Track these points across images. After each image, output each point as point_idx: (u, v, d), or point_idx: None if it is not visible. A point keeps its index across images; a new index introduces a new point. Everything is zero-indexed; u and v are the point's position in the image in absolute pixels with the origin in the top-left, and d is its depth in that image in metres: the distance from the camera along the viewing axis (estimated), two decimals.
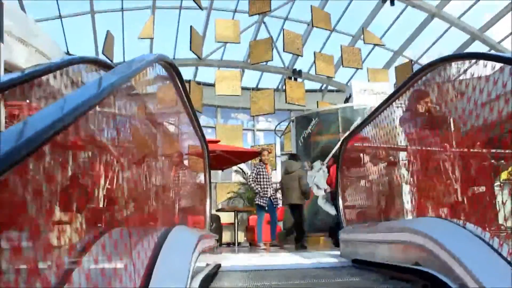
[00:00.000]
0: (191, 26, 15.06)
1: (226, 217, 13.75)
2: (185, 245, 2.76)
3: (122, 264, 2.11)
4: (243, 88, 16.89)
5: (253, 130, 21.19)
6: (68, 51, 16.89)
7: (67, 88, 2.38)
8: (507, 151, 2.96)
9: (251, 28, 18.52)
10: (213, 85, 16.50)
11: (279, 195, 11.48)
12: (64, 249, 1.92)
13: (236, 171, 18.42)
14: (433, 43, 18.93)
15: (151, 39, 16.17)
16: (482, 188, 3.26)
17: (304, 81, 19.15)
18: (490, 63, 2.71)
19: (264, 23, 18.21)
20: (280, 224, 13.38)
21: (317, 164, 12.97)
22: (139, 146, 2.94)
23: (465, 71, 3.08)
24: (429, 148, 3.85)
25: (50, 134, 1.24)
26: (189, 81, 15.98)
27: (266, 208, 10.55)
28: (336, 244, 9.44)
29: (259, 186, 10.53)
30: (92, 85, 1.73)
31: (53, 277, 1.75)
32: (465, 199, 3.19)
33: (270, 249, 10.11)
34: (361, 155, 5.78)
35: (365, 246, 4.53)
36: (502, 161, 3.50)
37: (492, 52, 13.58)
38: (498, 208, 2.85)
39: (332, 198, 9.80)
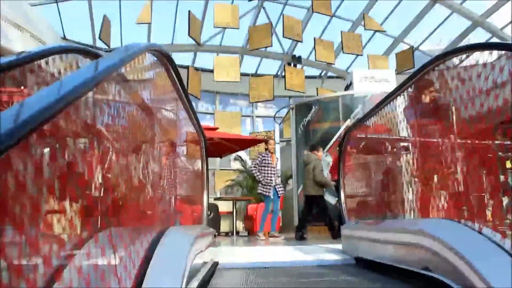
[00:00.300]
0: (189, 11, 14.78)
1: (225, 206, 13.61)
2: (177, 255, 2.56)
3: (110, 269, 1.95)
4: (242, 74, 16.62)
5: (252, 116, 21.00)
6: (64, 36, 16.64)
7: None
8: None
9: (250, 13, 18.21)
10: (212, 71, 16.24)
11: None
12: (56, 241, 1.77)
13: (235, 158, 18.29)
14: (434, 30, 18.62)
15: (149, 24, 15.88)
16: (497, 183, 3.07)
17: (304, 67, 18.92)
18: None
19: (263, 8, 17.91)
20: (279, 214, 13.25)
21: None
22: (129, 139, 2.73)
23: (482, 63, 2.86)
24: (438, 140, 3.65)
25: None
26: (187, 67, 15.77)
27: (272, 196, 10.41)
28: (334, 237, 9.34)
29: (262, 174, 10.41)
30: (71, 78, 1.55)
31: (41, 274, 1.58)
32: (481, 197, 3.00)
33: (269, 241, 9.91)
34: (366, 147, 5.59)
35: (369, 245, 4.32)
36: None
37: None
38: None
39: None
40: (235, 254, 5.92)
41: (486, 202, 2.99)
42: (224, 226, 13.92)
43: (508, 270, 2.14)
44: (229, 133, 14.16)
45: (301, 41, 16.85)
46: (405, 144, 4.48)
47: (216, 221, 12.88)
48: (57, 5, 15.91)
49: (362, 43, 17.24)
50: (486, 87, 2.83)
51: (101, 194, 2.34)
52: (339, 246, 5.76)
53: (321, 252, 5.72)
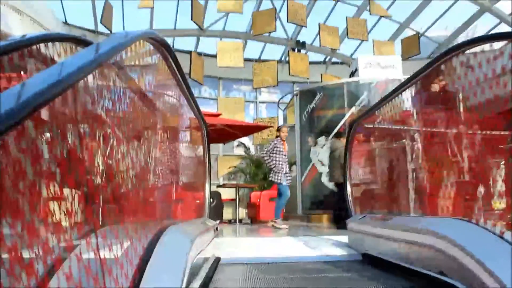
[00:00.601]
0: None
1: (227, 193, 13.49)
2: (177, 255, 2.42)
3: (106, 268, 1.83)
4: (246, 60, 16.49)
5: (256, 102, 20.84)
6: (66, 21, 16.45)
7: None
8: None
9: None
10: (215, 56, 16.08)
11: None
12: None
13: (237, 145, 18.18)
14: (441, 15, 18.36)
15: (151, 8, 15.67)
16: None
17: (308, 53, 18.71)
18: None
19: None
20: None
21: (322, 139, 12.66)
22: (124, 127, 2.58)
23: None
24: (454, 131, 3.48)
25: None
26: (190, 52, 15.60)
27: (284, 183, 10.26)
28: (339, 227, 9.20)
29: (273, 162, 10.24)
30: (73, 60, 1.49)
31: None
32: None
33: (272, 229, 9.81)
34: (374, 137, 5.42)
35: (378, 242, 4.13)
36: None
37: None
38: None
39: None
40: (238, 246, 5.77)
41: None
42: (227, 213, 13.80)
43: None
44: (232, 119, 14.01)
45: (305, 26, 16.67)
46: (420, 134, 4.28)
47: (219, 208, 12.78)
48: None
49: (367, 28, 17.04)
50: None
51: (101, 181, 2.27)
52: (344, 238, 5.61)
53: (327, 246, 5.56)
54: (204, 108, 16.13)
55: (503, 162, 2.98)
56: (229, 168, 17.52)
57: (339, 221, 9.03)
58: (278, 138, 10.52)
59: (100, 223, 2.13)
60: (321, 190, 12.47)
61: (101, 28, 15.08)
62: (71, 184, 1.83)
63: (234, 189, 9.89)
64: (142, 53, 2.61)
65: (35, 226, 1.56)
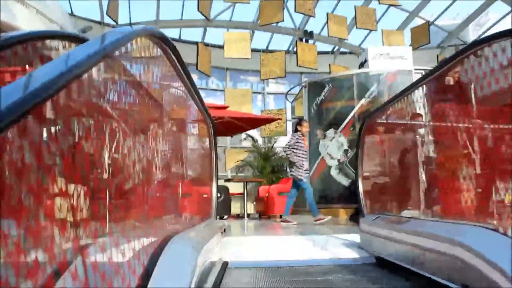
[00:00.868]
0: None
1: (235, 187, 13.35)
2: (182, 274, 2.26)
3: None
4: (253, 50, 16.31)
5: (263, 93, 20.68)
6: (72, 12, 16.30)
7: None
8: None
9: None
10: (222, 47, 15.96)
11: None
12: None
13: (245, 138, 18.07)
14: (451, 4, 18.06)
15: None
16: None
17: (316, 43, 18.52)
18: None
19: None
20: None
21: (331, 132, 12.47)
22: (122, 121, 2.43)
23: None
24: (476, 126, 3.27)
25: None
26: (197, 43, 15.47)
27: (304, 179, 10.03)
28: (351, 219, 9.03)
29: (297, 157, 9.93)
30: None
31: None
32: None
33: (282, 225, 9.66)
34: (389, 133, 5.22)
35: (393, 246, 3.92)
36: None
37: None
38: None
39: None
40: (246, 247, 5.60)
41: None
42: (235, 207, 13.67)
43: None
44: (239, 112, 13.83)
45: (313, 16, 16.42)
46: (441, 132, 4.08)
47: (227, 203, 12.63)
48: None
49: (376, 17, 16.77)
50: None
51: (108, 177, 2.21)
52: (355, 237, 5.41)
53: (338, 246, 5.38)
54: (211, 100, 15.95)
55: None
56: (237, 161, 17.45)
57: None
58: (299, 133, 10.15)
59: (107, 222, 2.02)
60: (330, 184, 12.29)
61: (107, 20, 14.91)
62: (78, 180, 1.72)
63: (242, 183, 9.76)
64: (142, 48, 2.45)
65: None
